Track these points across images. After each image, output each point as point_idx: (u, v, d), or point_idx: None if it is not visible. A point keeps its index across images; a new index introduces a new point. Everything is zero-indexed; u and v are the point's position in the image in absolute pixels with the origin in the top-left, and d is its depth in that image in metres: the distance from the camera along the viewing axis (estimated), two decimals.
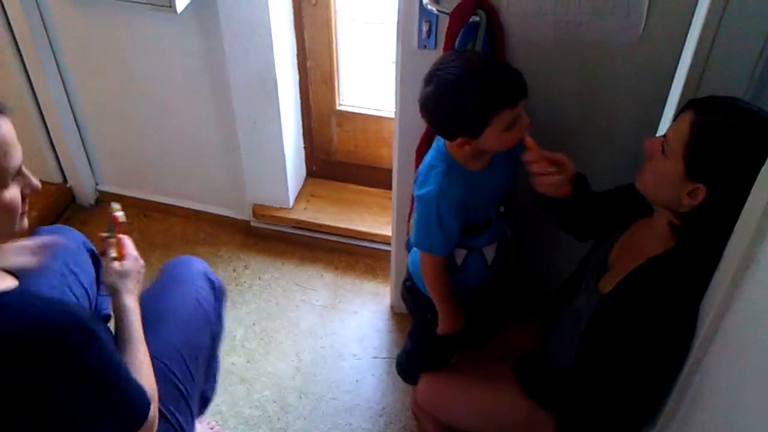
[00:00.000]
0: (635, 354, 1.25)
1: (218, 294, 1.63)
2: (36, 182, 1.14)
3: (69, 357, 1.06)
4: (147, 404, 1.18)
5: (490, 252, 1.57)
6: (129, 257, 1.41)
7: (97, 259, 1.60)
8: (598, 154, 1.56)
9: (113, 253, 1.41)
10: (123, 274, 1.38)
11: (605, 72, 1.51)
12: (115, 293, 1.36)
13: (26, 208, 1.15)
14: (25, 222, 1.16)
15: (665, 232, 1.26)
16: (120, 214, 1.42)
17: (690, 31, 1.40)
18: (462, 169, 1.44)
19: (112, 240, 1.41)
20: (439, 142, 1.48)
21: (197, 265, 1.62)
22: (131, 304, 1.36)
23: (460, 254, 1.56)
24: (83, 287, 1.47)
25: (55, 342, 1.04)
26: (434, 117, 1.39)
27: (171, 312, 1.50)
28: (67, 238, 1.57)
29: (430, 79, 1.36)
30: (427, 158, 1.49)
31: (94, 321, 1.11)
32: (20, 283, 1.15)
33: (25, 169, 1.12)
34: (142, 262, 1.43)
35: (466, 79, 1.32)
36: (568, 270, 1.56)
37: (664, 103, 1.50)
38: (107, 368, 1.12)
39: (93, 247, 1.63)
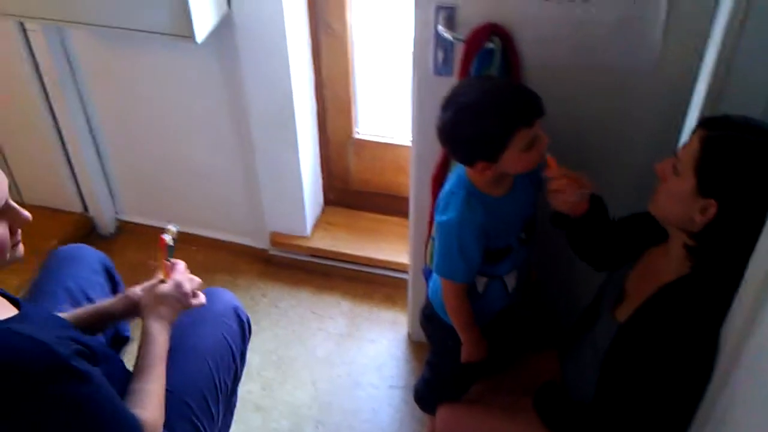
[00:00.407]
0: (656, 383, 1.22)
1: (245, 331, 1.61)
2: (25, 214, 1.13)
3: (44, 394, 1.04)
4: None
5: (510, 279, 1.56)
6: (171, 282, 1.39)
7: (114, 280, 1.60)
8: (613, 177, 1.55)
9: (160, 275, 1.41)
10: (157, 298, 1.36)
11: (622, 95, 1.51)
12: (144, 315, 1.35)
13: (19, 238, 1.15)
14: (19, 251, 1.15)
15: (680, 255, 1.24)
16: (168, 238, 1.41)
17: (707, 51, 1.39)
18: (483, 195, 1.43)
19: (159, 263, 1.41)
20: (459, 168, 1.47)
21: (229, 299, 1.61)
22: (155, 330, 1.34)
23: (481, 282, 1.54)
24: None
25: (28, 380, 1.02)
26: (453, 142, 1.39)
27: (198, 349, 1.48)
28: (85, 256, 1.58)
29: (447, 104, 1.36)
30: (448, 185, 1.48)
31: (76, 357, 1.08)
32: (22, 311, 1.14)
33: (12, 203, 1.11)
34: (185, 290, 1.40)
35: (482, 102, 1.32)
36: (587, 298, 1.54)
37: (681, 127, 1.49)
38: (88, 402, 1.09)
39: (112, 266, 1.63)
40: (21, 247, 1.16)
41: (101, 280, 1.57)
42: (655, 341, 1.22)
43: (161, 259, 1.41)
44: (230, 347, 1.54)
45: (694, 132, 1.19)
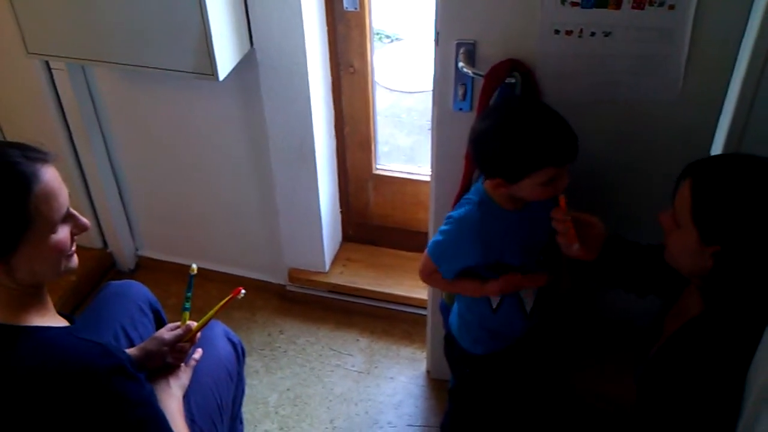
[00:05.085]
0: (683, 419, 1.20)
1: (240, 353, 1.65)
2: (84, 221, 1.18)
3: (106, 392, 1.09)
4: None
5: (528, 299, 1.54)
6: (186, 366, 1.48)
7: (160, 319, 1.62)
8: (636, 215, 1.53)
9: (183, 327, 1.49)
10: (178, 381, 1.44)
11: (643, 132, 1.50)
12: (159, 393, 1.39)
13: (75, 247, 1.18)
14: (75, 261, 1.19)
15: (698, 295, 1.23)
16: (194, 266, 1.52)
17: (730, 87, 1.39)
18: (495, 206, 1.44)
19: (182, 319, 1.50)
20: (479, 181, 1.49)
21: (217, 326, 1.64)
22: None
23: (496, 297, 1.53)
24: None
25: (92, 378, 1.08)
26: (480, 152, 1.39)
27: (198, 372, 1.51)
28: (134, 295, 1.61)
29: (489, 114, 1.37)
30: (467, 194, 1.51)
31: (135, 366, 1.15)
32: (77, 324, 1.21)
33: (72, 210, 1.16)
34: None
35: (526, 126, 1.33)
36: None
37: None
38: (144, 405, 1.14)
39: (159, 307, 1.66)
40: (75, 258, 1.19)
41: (147, 320, 1.60)
42: (680, 376, 1.20)
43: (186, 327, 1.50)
44: (227, 368, 1.57)
45: (682, 179, 1.18)
